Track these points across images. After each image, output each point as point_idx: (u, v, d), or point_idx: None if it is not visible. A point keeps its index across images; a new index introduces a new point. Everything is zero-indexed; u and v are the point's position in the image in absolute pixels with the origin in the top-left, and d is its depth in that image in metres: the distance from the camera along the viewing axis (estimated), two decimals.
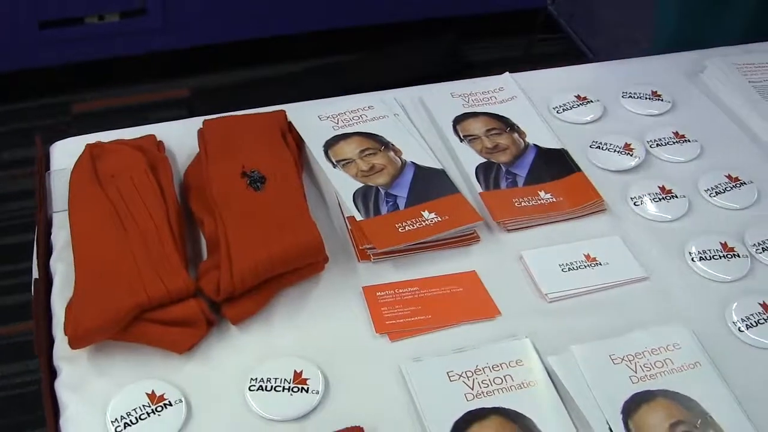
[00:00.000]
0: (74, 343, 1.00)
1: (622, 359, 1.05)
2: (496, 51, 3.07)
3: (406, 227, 1.17)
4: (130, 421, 0.98)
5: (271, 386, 1.01)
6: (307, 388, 1.02)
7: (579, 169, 1.28)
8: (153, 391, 1.01)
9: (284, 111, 1.34)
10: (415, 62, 2.92)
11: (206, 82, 2.80)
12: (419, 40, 2.98)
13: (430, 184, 1.23)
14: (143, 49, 2.85)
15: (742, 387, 1.05)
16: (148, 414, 0.99)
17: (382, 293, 1.14)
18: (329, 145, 1.30)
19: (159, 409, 1.00)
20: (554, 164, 1.28)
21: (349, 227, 1.20)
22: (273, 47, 2.94)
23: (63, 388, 1.02)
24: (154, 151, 1.23)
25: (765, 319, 1.12)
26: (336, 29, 3.01)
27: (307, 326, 1.11)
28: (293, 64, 2.85)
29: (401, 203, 1.20)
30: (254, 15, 2.88)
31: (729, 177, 1.31)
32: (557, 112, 1.40)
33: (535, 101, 1.44)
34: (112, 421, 0.97)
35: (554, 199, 1.23)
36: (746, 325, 1.11)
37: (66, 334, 1.01)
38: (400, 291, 1.14)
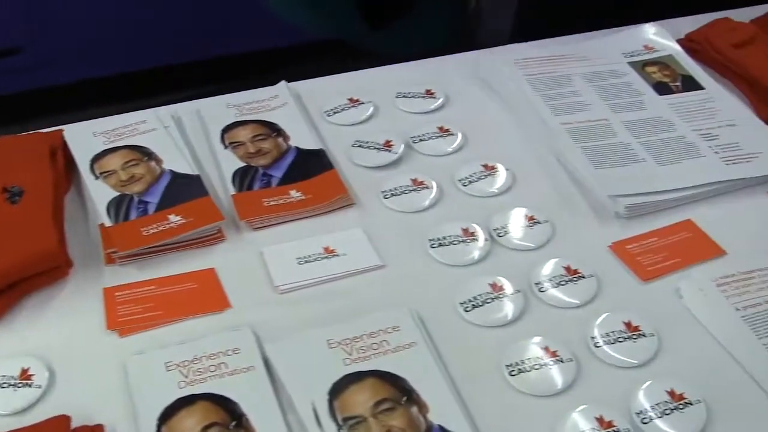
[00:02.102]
0: None
1: (339, 343, 1.06)
2: None
3: (151, 230, 1.18)
4: None
5: None
6: (31, 383, 1.04)
7: (332, 167, 1.28)
8: None
9: (61, 130, 1.38)
10: None
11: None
12: None
13: (183, 189, 1.25)
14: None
15: (462, 365, 1.09)
16: None
17: (121, 293, 1.16)
18: (96, 159, 1.34)
19: None
20: (310, 164, 1.30)
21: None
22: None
23: None
24: None
25: (491, 299, 1.11)
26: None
27: (46, 327, 1.13)
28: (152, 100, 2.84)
29: (151, 209, 1.21)
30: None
31: (485, 166, 1.31)
32: (328, 115, 1.41)
33: (310, 107, 1.43)
34: None
35: (304, 197, 1.24)
36: (473, 305, 1.10)
37: None
38: (138, 290, 1.16)
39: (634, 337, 1.08)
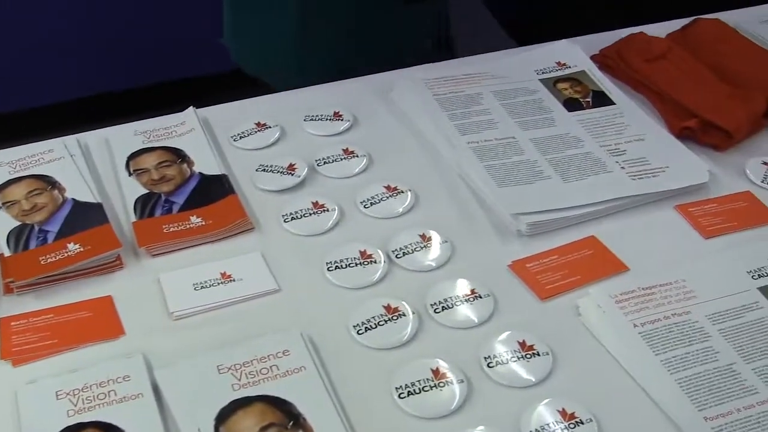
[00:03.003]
0: None
1: (229, 368, 1.06)
2: None
3: (49, 259, 1.18)
4: None
5: None
6: None
7: (233, 192, 1.28)
8: None
9: None
10: None
11: None
12: None
13: (83, 218, 1.25)
14: None
15: (352, 389, 1.08)
16: None
17: (17, 322, 1.16)
18: (0, 189, 1.33)
19: None
20: (212, 190, 1.29)
21: None
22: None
23: None
24: None
25: (384, 322, 1.11)
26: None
27: None
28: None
29: (51, 238, 1.21)
30: None
31: (387, 188, 1.30)
32: (234, 140, 1.40)
33: (218, 132, 1.44)
34: None
35: (203, 223, 1.24)
36: (365, 328, 1.10)
37: None
38: (34, 319, 1.16)
39: (528, 356, 1.08)
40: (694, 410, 1.04)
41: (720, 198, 1.36)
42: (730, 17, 1.75)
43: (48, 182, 1.32)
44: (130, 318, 1.16)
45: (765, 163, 1.43)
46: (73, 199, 1.29)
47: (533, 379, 1.08)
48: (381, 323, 1.11)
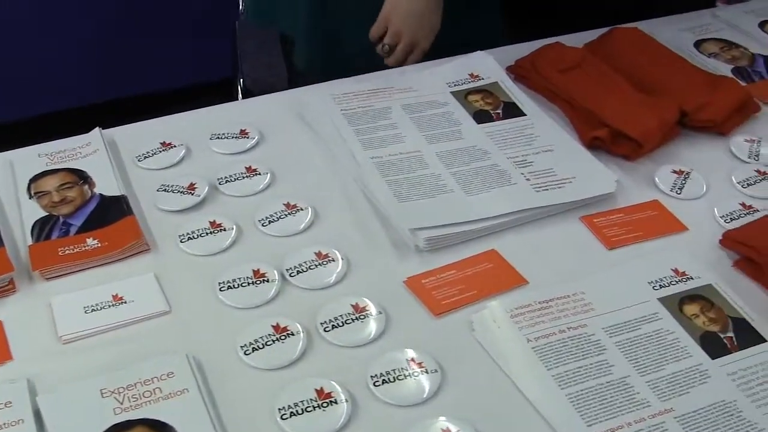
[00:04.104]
0: None
1: (112, 392, 1.05)
2: None
3: None
4: None
5: None
6: None
7: (131, 213, 1.27)
8: None
9: None
10: None
11: None
12: None
13: None
14: None
15: (236, 410, 1.09)
16: None
17: None
18: None
19: None
20: (111, 211, 1.29)
21: None
22: None
23: None
24: None
25: (272, 341, 1.10)
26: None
27: None
28: None
29: None
30: None
31: (287, 205, 1.30)
32: (139, 160, 1.40)
33: (124, 152, 1.44)
34: None
35: (100, 245, 1.23)
36: (252, 348, 1.09)
37: None
38: None
39: (416, 374, 1.08)
40: (583, 425, 1.04)
41: (627, 208, 1.36)
42: (648, 26, 1.74)
43: None
44: (19, 343, 1.15)
45: (675, 172, 1.42)
46: None
47: (420, 398, 1.06)
48: (269, 343, 1.11)
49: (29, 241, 1.26)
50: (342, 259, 1.23)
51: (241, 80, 2.35)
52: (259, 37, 2.41)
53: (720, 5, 2.06)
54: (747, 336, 1.15)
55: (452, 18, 1.64)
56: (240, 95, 2.10)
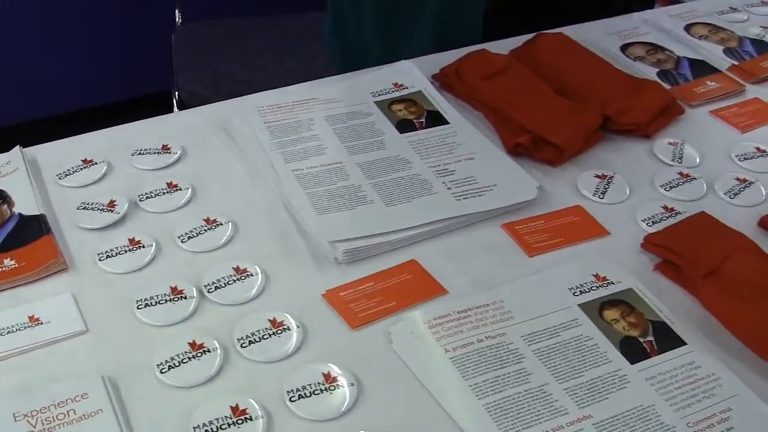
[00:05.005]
0: None
1: (25, 416, 1.04)
2: None
3: None
4: None
5: None
6: None
7: (49, 232, 1.26)
8: None
9: None
10: None
11: None
12: None
13: None
14: None
15: (153, 429, 1.08)
16: None
17: None
18: None
19: None
20: (29, 230, 1.27)
21: None
22: None
23: None
24: None
25: (188, 359, 1.10)
26: None
27: None
28: None
29: None
30: None
31: (207, 220, 1.29)
32: (60, 178, 1.39)
33: (45, 170, 1.44)
34: None
35: (17, 265, 1.21)
36: (169, 366, 1.10)
37: None
38: None
39: (332, 388, 1.08)
40: None
41: (549, 214, 1.37)
42: (576, 31, 1.75)
43: None
44: None
45: (597, 176, 1.43)
46: None
47: (338, 412, 1.06)
48: (185, 361, 1.11)
49: None
50: (261, 273, 1.22)
51: (176, 93, 2.35)
52: (195, 50, 2.40)
53: (657, 6, 2.06)
54: (667, 339, 1.16)
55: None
56: (176, 108, 2.09)
